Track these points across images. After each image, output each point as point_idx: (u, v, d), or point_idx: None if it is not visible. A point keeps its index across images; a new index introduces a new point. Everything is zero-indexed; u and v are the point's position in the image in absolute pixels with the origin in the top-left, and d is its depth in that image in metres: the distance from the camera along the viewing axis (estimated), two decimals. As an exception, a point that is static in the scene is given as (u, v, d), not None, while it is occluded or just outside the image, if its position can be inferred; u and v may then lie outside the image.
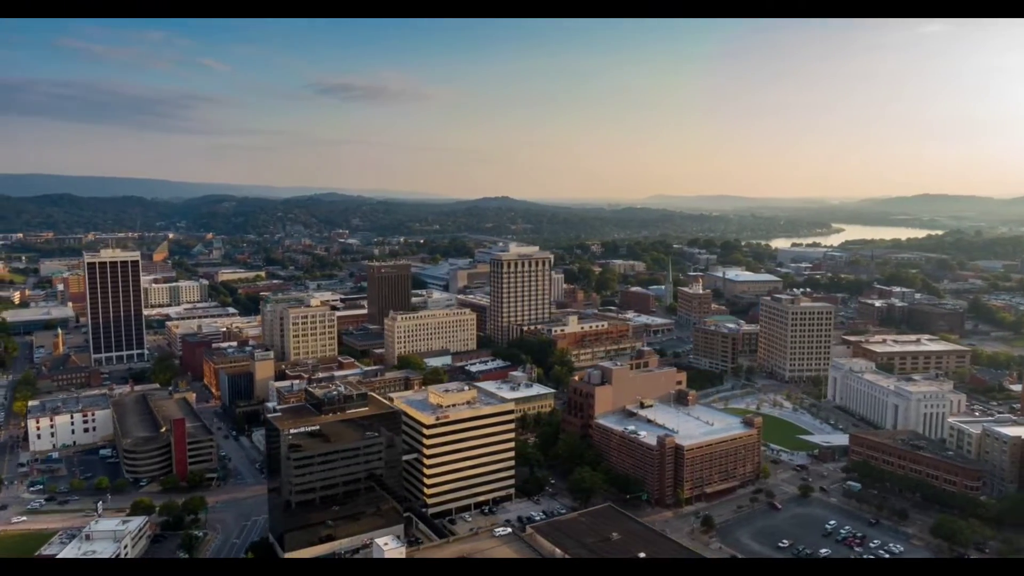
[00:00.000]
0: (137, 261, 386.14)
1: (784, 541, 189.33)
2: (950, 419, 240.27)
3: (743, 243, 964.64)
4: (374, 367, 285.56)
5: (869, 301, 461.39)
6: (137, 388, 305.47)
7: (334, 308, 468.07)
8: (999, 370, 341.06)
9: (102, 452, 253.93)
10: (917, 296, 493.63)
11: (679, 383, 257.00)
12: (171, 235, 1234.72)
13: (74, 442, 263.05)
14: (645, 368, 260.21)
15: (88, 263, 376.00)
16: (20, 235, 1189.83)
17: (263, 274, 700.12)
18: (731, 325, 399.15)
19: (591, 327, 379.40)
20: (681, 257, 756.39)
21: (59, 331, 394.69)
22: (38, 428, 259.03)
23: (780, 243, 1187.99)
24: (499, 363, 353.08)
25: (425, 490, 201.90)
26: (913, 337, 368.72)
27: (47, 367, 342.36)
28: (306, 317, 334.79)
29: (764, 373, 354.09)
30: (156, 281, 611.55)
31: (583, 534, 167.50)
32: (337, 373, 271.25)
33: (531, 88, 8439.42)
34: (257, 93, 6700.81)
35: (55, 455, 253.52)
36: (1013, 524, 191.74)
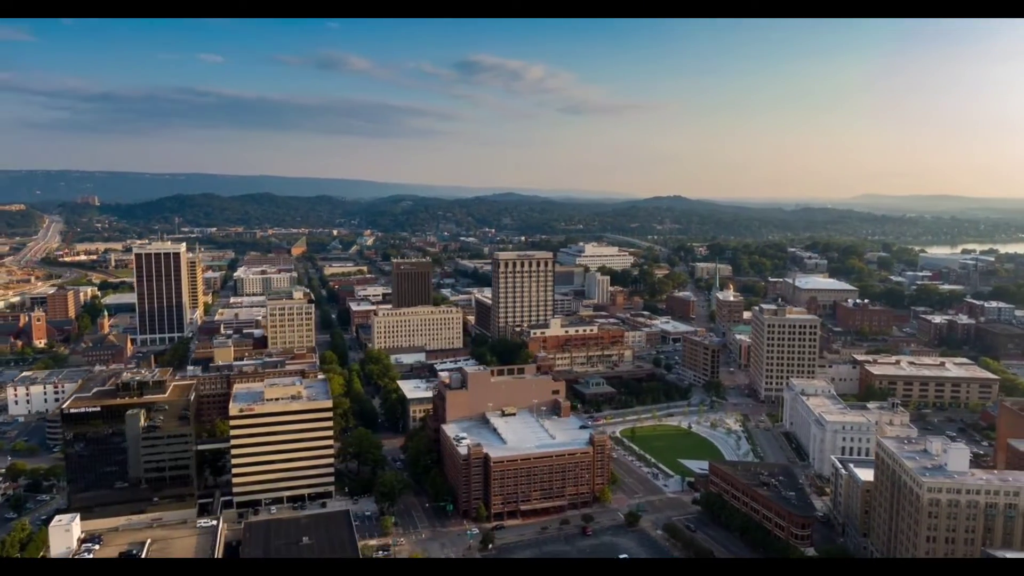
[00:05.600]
0: (179, 253, 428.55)
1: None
2: (832, 455, 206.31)
3: (894, 247, 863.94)
4: (275, 359, 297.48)
5: (927, 317, 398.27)
6: (129, 367, 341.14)
7: (379, 302, 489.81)
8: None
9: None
10: (1019, 314, 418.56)
11: (555, 392, 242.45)
12: (336, 231, 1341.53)
13: (47, 410, 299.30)
14: (519, 374, 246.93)
15: (136, 254, 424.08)
16: (213, 229, 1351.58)
17: (365, 269, 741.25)
18: (740, 336, 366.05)
19: (576, 331, 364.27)
20: (791, 262, 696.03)
21: (105, 313, 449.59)
22: (15, 395, 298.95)
23: (962, 248, 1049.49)
24: (472, 363, 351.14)
25: (232, 478, 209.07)
26: (936, 360, 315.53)
27: (87, 344, 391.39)
28: (284, 309, 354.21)
29: (747, 390, 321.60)
30: (265, 272, 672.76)
31: (283, 536, 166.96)
32: (237, 362, 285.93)
33: (726, 91, 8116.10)
34: (482, 106, 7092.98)
35: (20, 419, 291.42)
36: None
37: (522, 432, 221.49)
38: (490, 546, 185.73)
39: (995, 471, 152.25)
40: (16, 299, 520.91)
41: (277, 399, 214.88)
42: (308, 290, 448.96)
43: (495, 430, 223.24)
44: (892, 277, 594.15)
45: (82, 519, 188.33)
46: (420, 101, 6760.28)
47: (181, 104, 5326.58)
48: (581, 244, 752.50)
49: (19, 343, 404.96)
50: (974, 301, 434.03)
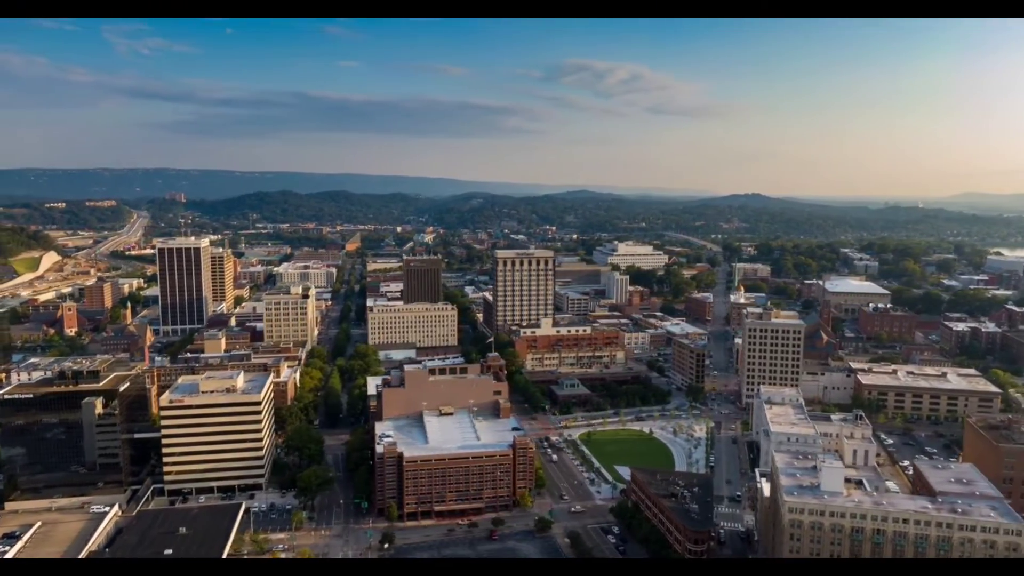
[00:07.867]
0: (199, 248, 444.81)
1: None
2: (758, 468, 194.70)
3: (967, 248, 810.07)
4: (242, 352, 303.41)
5: (949, 324, 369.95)
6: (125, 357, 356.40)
7: (396, 298, 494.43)
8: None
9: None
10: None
11: (497, 393, 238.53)
12: (400, 228, 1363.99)
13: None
14: (461, 374, 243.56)
15: (159, 248, 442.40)
16: (285, 225, 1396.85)
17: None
18: (739, 340, 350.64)
19: (568, 331, 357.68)
20: (842, 263, 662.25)
21: (128, 304, 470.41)
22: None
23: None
24: (461, 361, 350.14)
25: (163, 467, 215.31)
26: (938, 371, 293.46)
27: (109, 334, 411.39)
28: (279, 304, 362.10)
29: (735, 396, 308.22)
30: (308, 267, 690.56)
31: (166, 525, 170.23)
32: (205, 354, 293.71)
33: (816, 90, 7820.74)
34: (571, 106, 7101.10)
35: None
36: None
37: (451, 432, 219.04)
38: (387, 546, 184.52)
39: (874, 493, 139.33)
40: (67, 289, 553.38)
41: (212, 391, 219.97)
42: (309, 284, 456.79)
43: (424, 429, 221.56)
44: (945, 281, 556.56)
45: (27, 499, 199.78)
46: (511, 102, 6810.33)
47: (291, 108, 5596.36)
48: (615, 243, 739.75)
49: (51, 331, 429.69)
50: (1015, 308, 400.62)
